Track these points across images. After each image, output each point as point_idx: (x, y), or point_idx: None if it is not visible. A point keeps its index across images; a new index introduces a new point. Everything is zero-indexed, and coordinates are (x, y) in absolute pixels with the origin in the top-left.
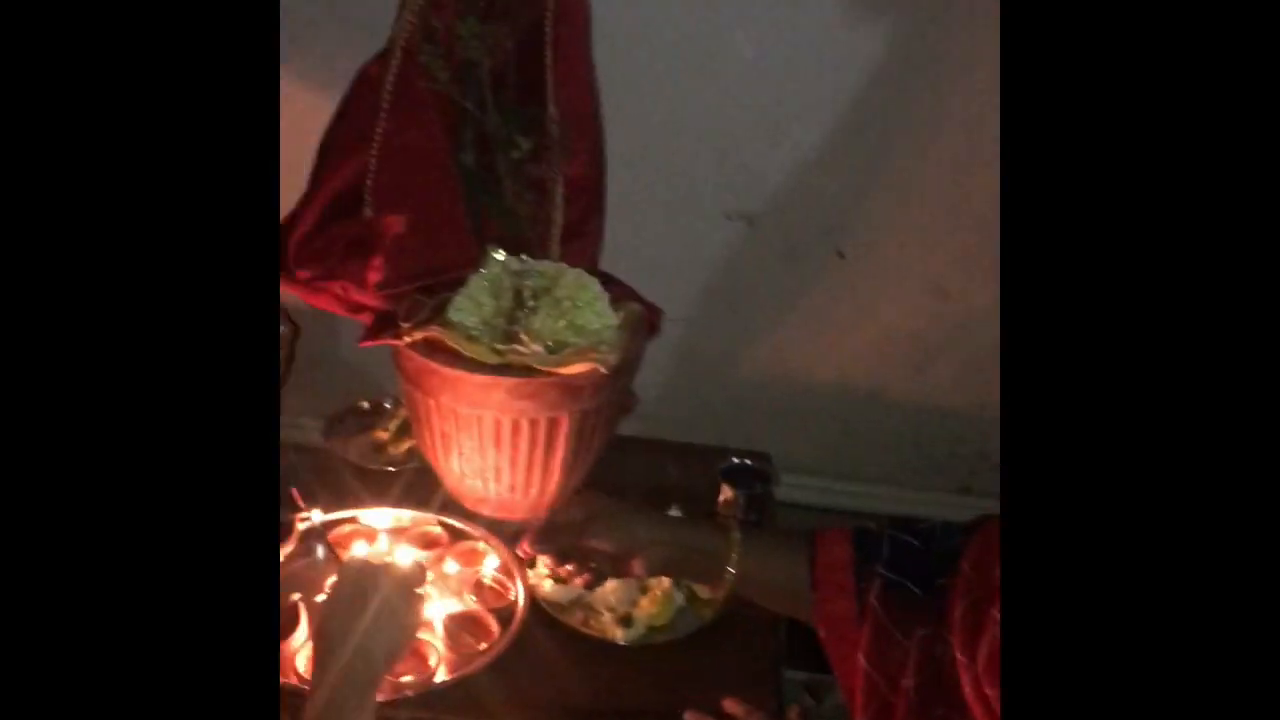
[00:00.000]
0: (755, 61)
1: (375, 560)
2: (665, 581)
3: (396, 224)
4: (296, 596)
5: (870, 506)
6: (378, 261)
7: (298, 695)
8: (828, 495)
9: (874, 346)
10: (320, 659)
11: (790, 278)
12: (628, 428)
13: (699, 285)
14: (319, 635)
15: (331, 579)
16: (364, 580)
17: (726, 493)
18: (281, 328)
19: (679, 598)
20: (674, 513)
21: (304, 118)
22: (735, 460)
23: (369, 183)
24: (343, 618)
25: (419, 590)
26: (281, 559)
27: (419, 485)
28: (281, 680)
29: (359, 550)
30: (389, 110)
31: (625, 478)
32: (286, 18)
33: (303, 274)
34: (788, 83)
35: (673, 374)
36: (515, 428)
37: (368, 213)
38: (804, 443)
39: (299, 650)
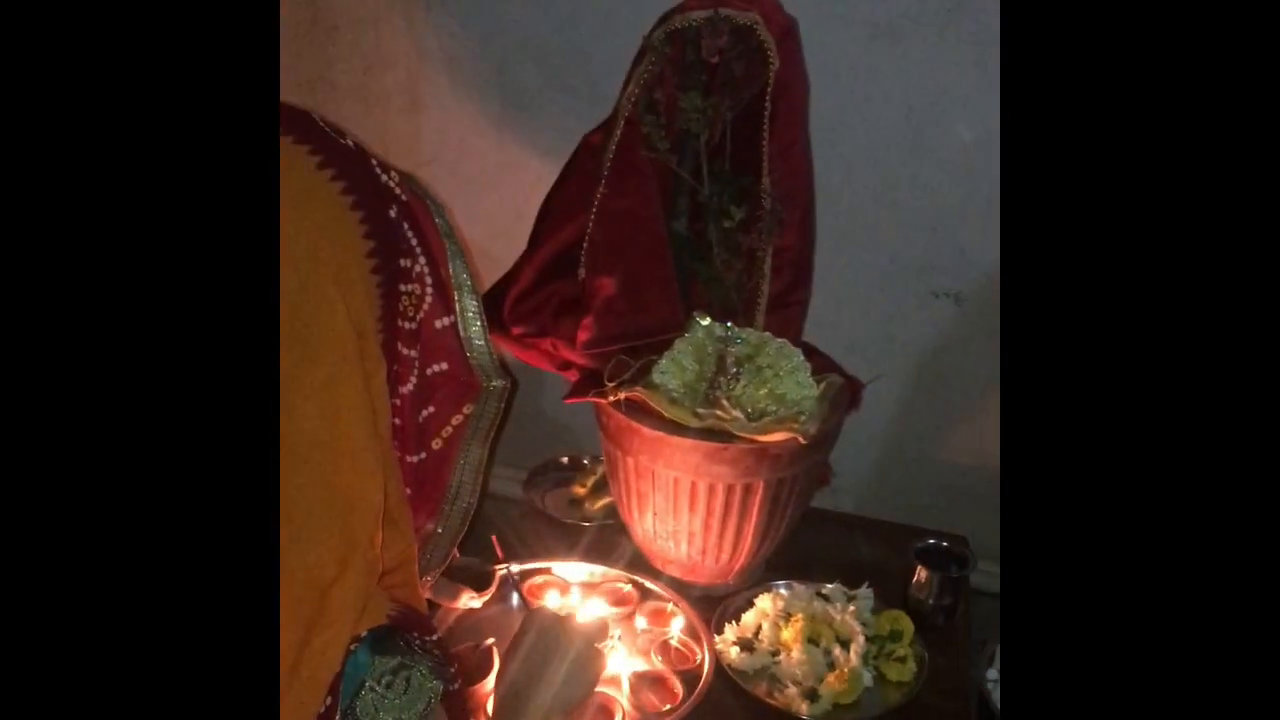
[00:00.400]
0: (974, 144)
1: (563, 613)
2: (854, 659)
3: (607, 286)
4: (491, 641)
5: None
6: (587, 321)
7: None
8: None
9: None
10: (506, 704)
11: (995, 360)
12: (822, 501)
13: (903, 362)
14: (504, 681)
15: (525, 626)
16: (553, 632)
17: (921, 574)
18: (500, 382)
19: (867, 677)
20: (864, 591)
21: (530, 183)
22: (931, 541)
23: (585, 245)
24: (530, 666)
25: (601, 646)
26: (479, 606)
27: (609, 542)
28: (460, 687)
29: (550, 602)
30: (609, 176)
31: (817, 551)
32: (511, 88)
33: (516, 330)
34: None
35: (871, 450)
36: (710, 491)
37: (581, 274)
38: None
39: (490, 694)
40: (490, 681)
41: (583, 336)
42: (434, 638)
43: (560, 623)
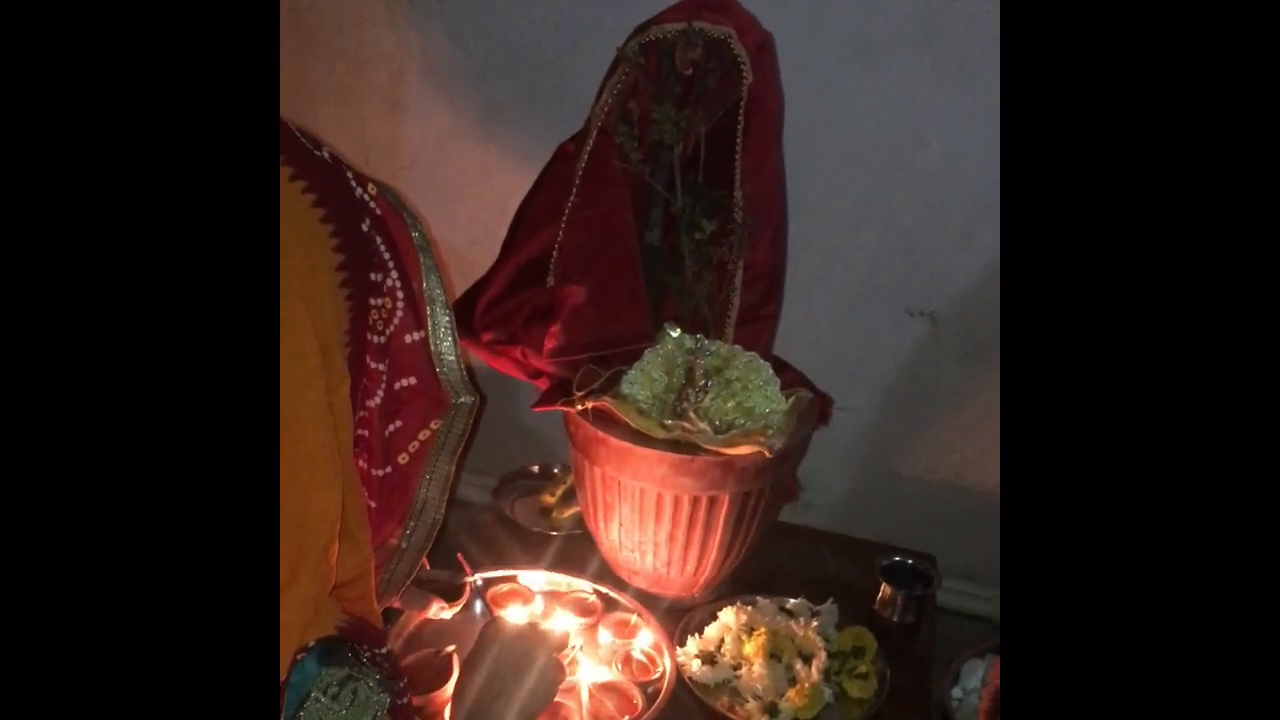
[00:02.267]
0: (945, 160)
1: (528, 624)
2: (815, 674)
3: (576, 294)
4: (451, 648)
5: None
6: (555, 329)
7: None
8: (992, 605)
9: None
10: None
11: (968, 379)
12: (791, 515)
13: (875, 379)
14: (465, 695)
15: (487, 635)
16: (517, 646)
17: (885, 591)
18: (468, 398)
19: (828, 693)
20: (828, 607)
21: (508, 189)
22: (897, 559)
23: (555, 253)
24: (493, 680)
25: (562, 656)
26: (449, 617)
27: (574, 552)
28: (407, 702)
29: (513, 612)
30: (580, 185)
31: (784, 566)
32: (492, 94)
33: (487, 336)
34: (978, 183)
35: (842, 466)
36: (676, 503)
37: (551, 282)
38: (971, 548)
39: (449, 701)
40: (449, 688)
41: (550, 345)
42: (384, 650)
43: (523, 636)
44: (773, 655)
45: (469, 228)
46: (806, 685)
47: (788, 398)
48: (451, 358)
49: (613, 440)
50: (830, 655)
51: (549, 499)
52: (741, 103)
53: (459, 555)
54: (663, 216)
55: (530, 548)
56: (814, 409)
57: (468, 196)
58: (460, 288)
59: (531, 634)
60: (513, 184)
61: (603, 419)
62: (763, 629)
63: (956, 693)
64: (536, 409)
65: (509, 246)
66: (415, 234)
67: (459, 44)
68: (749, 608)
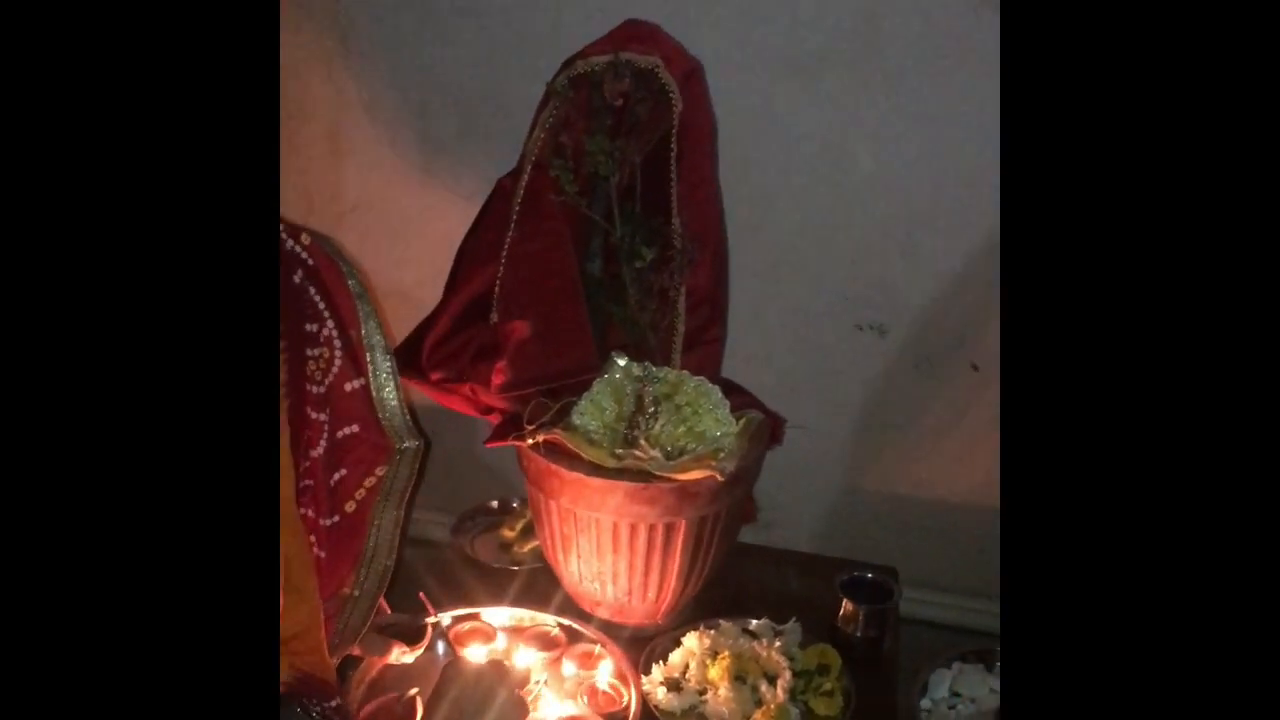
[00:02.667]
0: (882, 173)
1: (489, 662)
2: (781, 695)
3: (520, 329)
4: (414, 691)
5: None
6: (501, 365)
7: None
8: (957, 612)
9: None
10: None
11: (921, 390)
12: (752, 536)
13: (829, 396)
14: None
15: (447, 676)
16: (479, 684)
17: (847, 606)
18: (413, 443)
19: (795, 713)
20: (791, 626)
21: (453, 228)
22: (856, 574)
23: (496, 289)
24: (454, 716)
25: (524, 693)
26: (411, 660)
27: (538, 586)
28: None
29: (475, 650)
30: (518, 220)
31: (747, 587)
32: (431, 134)
33: (435, 375)
34: (916, 194)
35: (799, 485)
36: (633, 531)
37: (494, 318)
38: (934, 558)
39: None
40: None
41: (497, 380)
42: (334, 704)
43: (484, 674)
44: (738, 678)
45: (416, 268)
46: (773, 706)
47: (738, 420)
48: (394, 403)
49: (566, 472)
50: (795, 674)
51: (509, 534)
52: (674, 130)
53: (420, 595)
54: (603, 247)
55: (493, 584)
56: (766, 429)
57: (413, 236)
58: (409, 327)
59: (493, 672)
60: (456, 222)
61: (555, 451)
62: (726, 652)
63: (925, 703)
64: (489, 444)
65: (452, 284)
66: (352, 282)
67: (396, 86)
68: (712, 632)
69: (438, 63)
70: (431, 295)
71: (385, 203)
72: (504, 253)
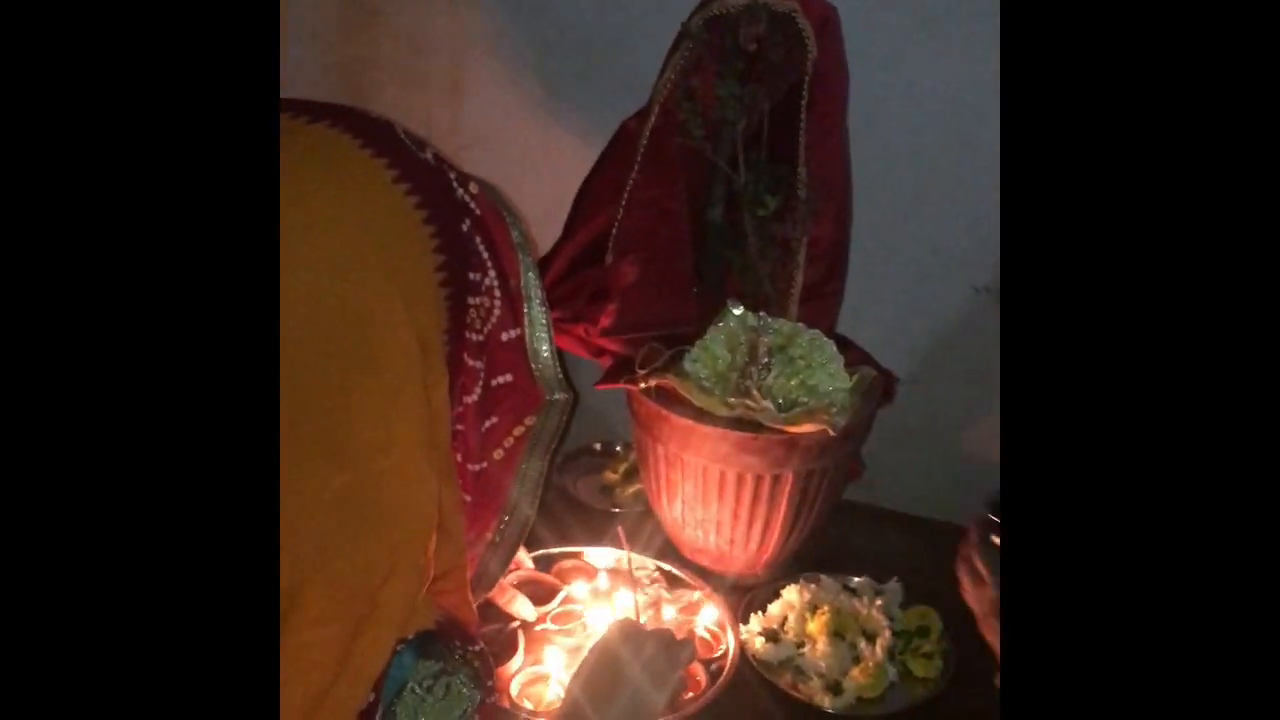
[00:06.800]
0: None
1: (642, 625)
2: (879, 653)
3: (629, 274)
4: (516, 624)
5: None
6: (610, 308)
7: (509, 716)
8: None
9: None
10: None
11: None
12: (856, 494)
13: (940, 356)
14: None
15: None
16: (628, 643)
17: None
18: (563, 395)
19: (892, 672)
20: (892, 586)
21: (571, 168)
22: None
23: (614, 232)
24: (594, 685)
25: (684, 659)
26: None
27: (639, 530)
28: (496, 701)
29: (578, 589)
30: (641, 164)
31: (847, 545)
32: (554, 73)
33: (551, 314)
34: None
35: (907, 444)
36: (739, 481)
37: (609, 260)
38: None
39: (514, 675)
40: (514, 664)
41: (604, 323)
42: (476, 648)
43: (629, 639)
44: (836, 634)
45: (532, 206)
46: (870, 664)
47: (851, 375)
48: (547, 354)
49: (675, 418)
50: (895, 634)
51: (611, 476)
52: (806, 78)
53: (619, 528)
54: (725, 193)
55: (593, 525)
56: (878, 387)
57: (529, 176)
58: None
59: (641, 638)
60: (574, 163)
61: (665, 397)
62: (826, 607)
63: None
64: (600, 386)
65: (571, 224)
66: (515, 232)
67: (519, 22)
68: (812, 586)
69: (563, 1)
70: (545, 235)
71: (503, 141)
72: (625, 195)
